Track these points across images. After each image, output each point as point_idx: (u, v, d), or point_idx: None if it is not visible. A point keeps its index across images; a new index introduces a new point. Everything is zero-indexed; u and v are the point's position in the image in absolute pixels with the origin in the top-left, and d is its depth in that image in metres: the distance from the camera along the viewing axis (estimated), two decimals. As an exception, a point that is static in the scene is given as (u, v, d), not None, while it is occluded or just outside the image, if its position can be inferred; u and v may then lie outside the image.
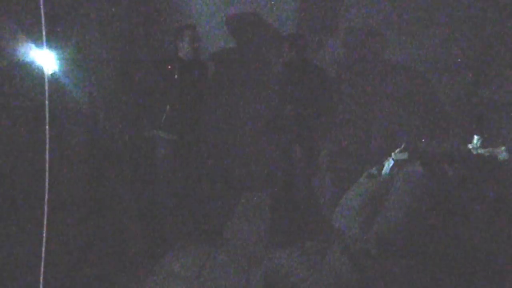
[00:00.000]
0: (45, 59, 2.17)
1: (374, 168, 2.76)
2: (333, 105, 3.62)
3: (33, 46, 2.29)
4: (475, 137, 2.74)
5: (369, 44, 3.95)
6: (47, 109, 1.88)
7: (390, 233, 2.35)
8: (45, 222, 1.81)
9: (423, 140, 3.77)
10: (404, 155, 2.61)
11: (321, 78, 3.49)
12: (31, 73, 2.30)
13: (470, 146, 2.75)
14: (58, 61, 2.38)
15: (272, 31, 3.99)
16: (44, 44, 2.03)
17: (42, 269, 1.78)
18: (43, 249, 1.79)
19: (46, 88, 1.92)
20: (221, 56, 4.01)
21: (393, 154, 2.66)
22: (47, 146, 1.87)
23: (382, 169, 2.70)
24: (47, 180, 1.84)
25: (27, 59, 2.31)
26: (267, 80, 3.77)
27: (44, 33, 1.93)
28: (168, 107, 3.24)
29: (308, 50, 3.65)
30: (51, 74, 2.27)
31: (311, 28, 3.97)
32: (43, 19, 1.86)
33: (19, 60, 2.32)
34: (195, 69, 3.37)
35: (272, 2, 3.90)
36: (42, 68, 2.16)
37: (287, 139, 3.45)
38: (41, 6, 1.84)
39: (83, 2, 3.00)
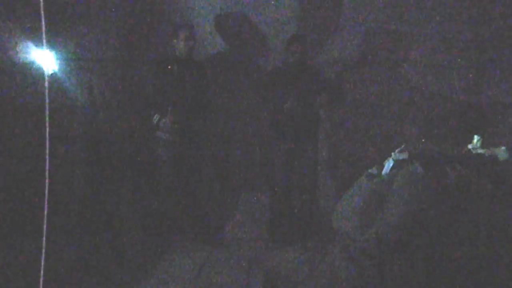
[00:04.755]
0: (45, 59, 2.17)
1: (374, 168, 2.76)
2: (331, 105, 3.60)
3: (33, 46, 2.29)
4: (475, 137, 2.74)
5: (379, 44, 3.93)
6: (47, 109, 1.88)
7: (390, 233, 2.35)
8: (45, 222, 1.81)
9: (423, 140, 3.77)
10: (404, 155, 2.61)
11: (319, 79, 3.48)
12: (31, 73, 2.30)
13: (470, 146, 2.75)
14: (58, 61, 2.38)
15: (265, 31, 3.99)
16: (44, 44, 2.03)
17: (42, 269, 1.78)
18: (43, 249, 1.79)
19: (46, 88, 1.92)
20: (218, 56, 4.01)
21: (393, 154, 2.66)
22: (47, 146, 1.87)
23: (382, 169, 2.70)
24: (47, 180, 1.84)
25: (27, 59, 2.31)
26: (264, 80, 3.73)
27: (44, 33, 1.93)
28: (169, 108, 3.24)
29: (309, 51, 3.64)
30: (51, 74, 2.28)
31: (311, 27, 3.96)
32: (43, 19, 1.86)
33: (19, 60, 2.32)
34: (193, 68, 3.37)
35: (272, 2, 3.89)
36: (42, 68, 2.17)
37: (291, 140, 3.42)
38: (41, 6, 1.84)
39: (83, 2, 3.01)
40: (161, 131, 3.26)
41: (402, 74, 3.97)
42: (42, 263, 1.78)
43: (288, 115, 3.33)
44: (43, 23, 1.87)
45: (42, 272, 1.78)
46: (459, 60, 3.81)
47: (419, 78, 3.95)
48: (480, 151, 2.66)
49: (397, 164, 2.62)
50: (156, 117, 3.23)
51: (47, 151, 1.87)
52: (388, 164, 2.66)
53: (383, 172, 2.67)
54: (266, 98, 3.50)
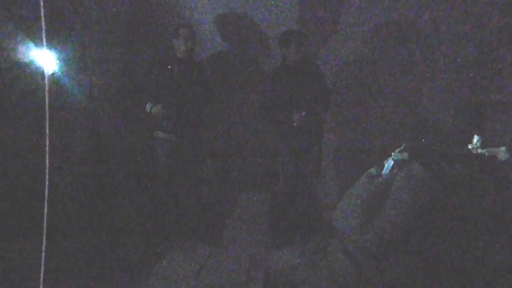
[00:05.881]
0: (45, 59, 2.17)
1: (374, 168, 2.76)
2: (330, 104, 3.59)
3: (33, 46, 2.29)
4: (475, 137, 2.74)
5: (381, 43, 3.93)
6: (47, 109, 1.88)
7: (390, 233, 2.35)
8: (45, 222, 1.81)
9: (423, 140, 3.78)
10: (404, 155, 2.61)
11: (320, 77, 3.46)
12: (31, 73, 2.30)
13: (470, 146, 2.75)
14: (58, 61, 2.38)
15: (266, 30, 3.97)
16: (44, 44, 2.03)
17: (42, 269, 1.78)
18: (43, 249, 1.79)
19: (46, 88, 1.92)
20: (219, 56, 4.02)
21: (393, 154, 2.66)
22: (47, 146, 1.87)
23: (382, 169, 2.70)
24: (47, 180, 1.84)
25: (27, 59, 2.31)
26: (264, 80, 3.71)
27: (44, 33, 1.93)
28: (168, 108, 3.24)
29: (309, 48, 3.61)
30: (51, 74, 2.28)
31: (312, 25, 3.95)
32: (43, 19, 1.86)
33: (19, 60, 2.32)
34: (193, 68, 3.37)
35: (272, 2, 3.89)
36: (42, 68, 2.17)
37: (296, 141, 3.41)
38: (41, 6, 1.84)
39: (83, 2, 3.01)
40: (155, 119, 3.25)
41: (403, 73, 3.97)
42: (42, 263, 1.78)
43: (299, 126, 3.29)
44: (43, 23, 1.87)
45: (42, 272, 1.78)
46: (459, 60, 3.81)
47: (419, 78, 3.96)
48: (480, 151, 2.66)
49: (397, 164, 2.62)
50: (149, 105, 3.23)
51: (47, 151, 1.87)
52: (388, 164, 2.66)
53: (383, 172, 2.67)
54: (268, 102, 3.44)
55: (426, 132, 3.88)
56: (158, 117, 3.24)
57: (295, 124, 3.27)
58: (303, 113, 3.24)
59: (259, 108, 3.56)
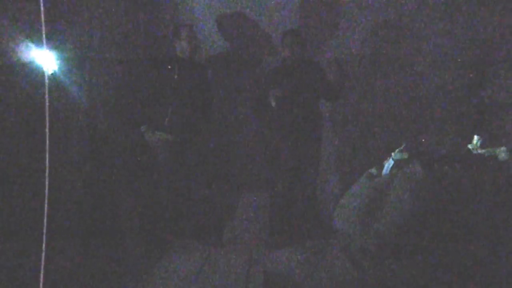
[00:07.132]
0: (45, 59, 2.17)
1: (374, 168, 2.76)
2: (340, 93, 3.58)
3: (33, 46, 2.29)
4: (475, 137, 2.74)
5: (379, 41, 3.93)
6: (47, 109, 1.88)
7: (390, 233, 2.35)
8: (45, 222, 1.81)
9: (423, 140, 3.77)
10: (404, 155, 2.61)
11: (321, 75, 3.47)
12: (31, 73, 2.30)
13: (470, 146, 2.75)
14: (58, 61, 2.38)
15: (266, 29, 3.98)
16: (44, 44, 2.03)
17: (42, 269, 1.78)
18: (43, 249, 1.79)
19: (46, 88, 1.92)
20: (219, 56, 4.01)
21: (393, 154, 2.66)
22: (47, 146, 1.87)
23: (382, 169, 2.70)
24: (47, 180, 1.84)
25: (27, 59, 2.31)
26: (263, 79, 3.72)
27: (44, 33, 1.93)
28: (169, 108, 3.24)
29: (308, 47, 3.62)
30: (51, 74, 2.27)
31: (312, 25, 3.96)
32: (43, 19, 1.86)
33: (19, 60, 2.32)
34: (194, 68, 3.37)
35: (272, 2, 3.89)
36: (42, 68, 2.16)
37: (295, 140, 3.41)
38: (41, 6, 1.84)
39: (83, 2, 3.01)
40: (161, 130, 3.26)
41: (403, 73, 3.97)
42: (42, 263, 1.78)
43: (278, 104, 3.25)
44: (43, 23, 1.87)
45: (42, 272, 1.78)
46: (459, 60, 3.81)
47: (420, 77, 3.96)
48: (480, 151, 2.65)
49: (397, 164, 2.62)
50: (144, 127, 3.25)
51: (47, 151, 1.87)
52: (388, 164, 2.66)
53: (383, 172, 2.67)
54: (264, 98, 3.46)
55: (426, 132, 3.87)
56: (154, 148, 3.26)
57: (273, 104, 3.24)
58: (281, 91, 3.23)
59: (252, 105, 3.60)
